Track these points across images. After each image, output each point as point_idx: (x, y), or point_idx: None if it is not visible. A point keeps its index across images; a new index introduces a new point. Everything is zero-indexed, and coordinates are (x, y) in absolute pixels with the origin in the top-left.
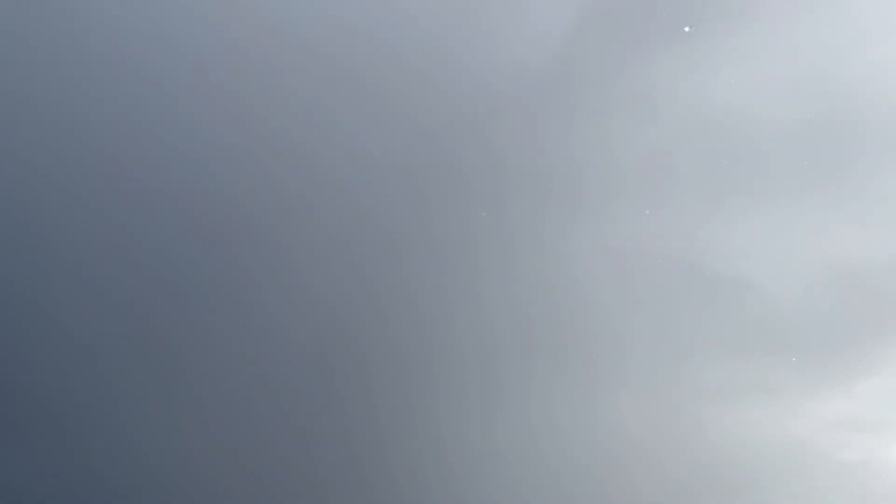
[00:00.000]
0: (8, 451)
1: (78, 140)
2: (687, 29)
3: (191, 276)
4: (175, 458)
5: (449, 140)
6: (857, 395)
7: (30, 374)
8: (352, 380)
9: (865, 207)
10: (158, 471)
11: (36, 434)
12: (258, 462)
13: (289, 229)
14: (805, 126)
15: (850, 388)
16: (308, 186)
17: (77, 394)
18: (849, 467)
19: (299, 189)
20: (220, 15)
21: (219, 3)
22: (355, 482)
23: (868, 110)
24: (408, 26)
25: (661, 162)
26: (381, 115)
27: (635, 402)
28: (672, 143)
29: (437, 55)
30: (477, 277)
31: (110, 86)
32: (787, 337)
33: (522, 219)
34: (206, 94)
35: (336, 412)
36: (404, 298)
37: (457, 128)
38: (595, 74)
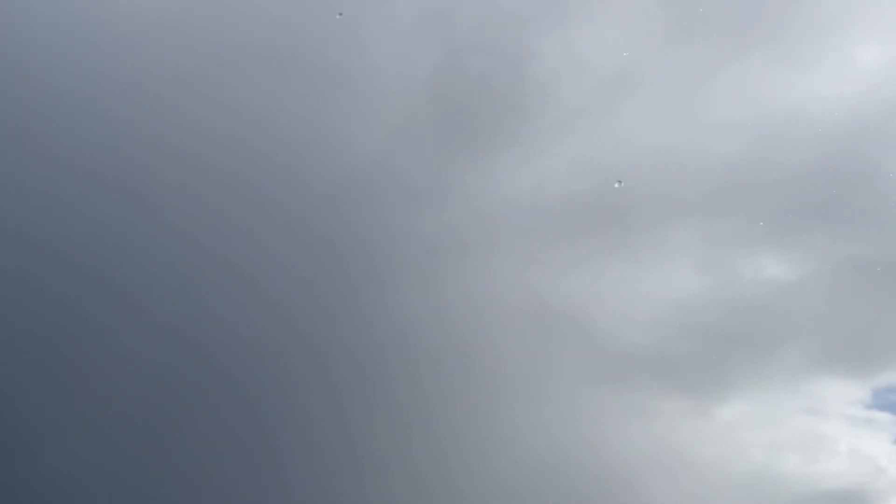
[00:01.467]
0: None
1: None
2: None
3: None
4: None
5: (305, 208)
6: (718, 416)
7: None
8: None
9: (659, 259)
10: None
11: None
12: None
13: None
14: (591, 199)
15: (713, 411)
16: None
17: None
18: (717, 471)
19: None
20: None
21: None
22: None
23: (634, 185)
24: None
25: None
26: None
27: (529, 420)
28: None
29: (289, 146)
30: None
31: None
32: (650, 370)
33: (415, 279)
34: None
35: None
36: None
37: (309, 200)
38: (421, 165)
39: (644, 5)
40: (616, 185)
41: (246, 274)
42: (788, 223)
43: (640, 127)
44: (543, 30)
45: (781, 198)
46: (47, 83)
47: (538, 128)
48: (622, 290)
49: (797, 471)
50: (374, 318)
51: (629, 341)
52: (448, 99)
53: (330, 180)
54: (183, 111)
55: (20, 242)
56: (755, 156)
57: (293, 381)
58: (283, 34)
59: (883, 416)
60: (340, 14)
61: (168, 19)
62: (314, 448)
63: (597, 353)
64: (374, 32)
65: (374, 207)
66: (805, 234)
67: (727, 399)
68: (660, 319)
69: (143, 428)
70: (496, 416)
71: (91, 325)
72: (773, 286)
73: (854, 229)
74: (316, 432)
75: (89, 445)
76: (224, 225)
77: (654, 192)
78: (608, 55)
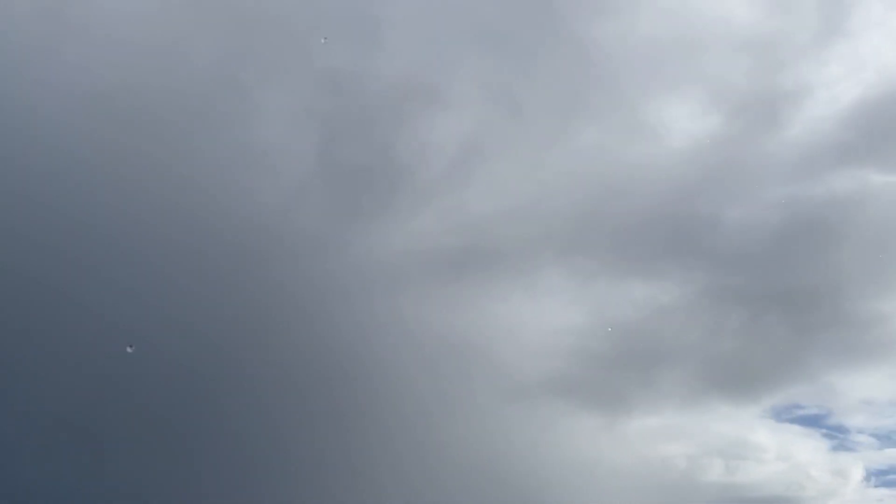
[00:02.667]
0: None
1: None
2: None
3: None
4: None
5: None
6: (626, 429)
7: None
8: None
9: (538, 296)
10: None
11: None
12: None
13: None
14: (462, 249)
15: (620, 425)
16: None
17: None
18: (633, 475)
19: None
20: None
21: None
22: None
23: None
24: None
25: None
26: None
27: (450, 435)
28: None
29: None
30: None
31: None
32: (554, 391)
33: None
34: None
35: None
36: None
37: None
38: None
39: (494, 90)
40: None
41: (172, 301)
42: (645, 258)
43: (496, 187)
44: (412, 112)
45: (634, 237)
46: None
47: (410, 194)
48: (512, 324)
49: (697, 478)
50: (296, 349)
51: (530, 367)
52: (334, 168)
53: (239, 231)
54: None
55: None
56: (602, 205)
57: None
58: (195, 109)
59: (792, 428)
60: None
61: (99, 90)
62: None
63: (504, 379)
64: (272, 113)
65: (282, 255)
66: (662, 267)
67: (632, 414)
68: (552, 347)
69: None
70: (423, 431)
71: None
72: (643, 312)
73: (702, 263)
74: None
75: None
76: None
77: (517, 240)
78: (463, 131)
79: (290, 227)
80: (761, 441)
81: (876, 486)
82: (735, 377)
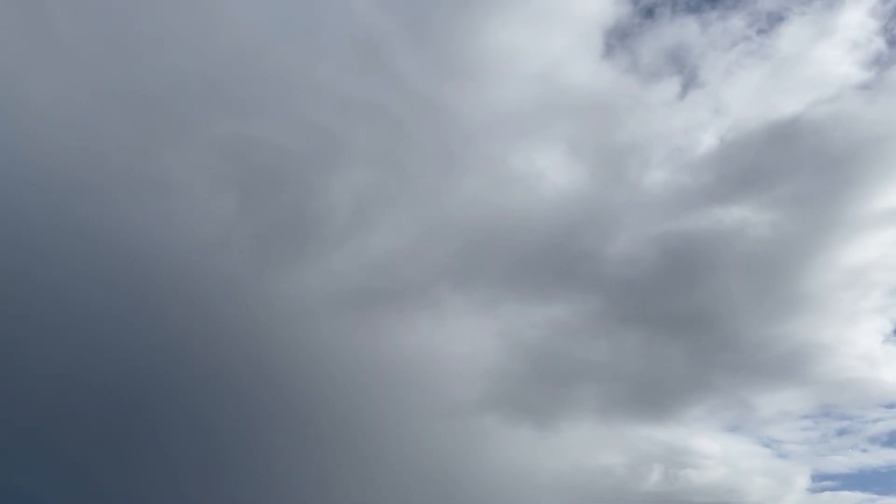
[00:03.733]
0: None
1: None
2: None
3: None
4: None
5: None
6: (556, 440)
7: None
8: None
9: (452, 324)
10: None
11: None
12: None
13: None
14: (372, 286)
15: (552, 437)
16: None
17: None
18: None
19: None
20: None
21: None
22: None
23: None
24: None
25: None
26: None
27: (398, 447)
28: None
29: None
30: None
31: None
32: (488, 406)
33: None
34: None
35: None
36: None
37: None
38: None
39: (380, 153)
40: None
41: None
42: (541, 285)
43: (393, 232)
44: (315, 171)
45: (527, 268)
46: None
47: (320, 242)
48: (429, 351)
49: (635, 486)
50: (239, 378)
51: (455, 388)
52: (252, 226)
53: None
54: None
55: None
56: (492, 243)
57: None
58: (119, 180)
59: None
60: None
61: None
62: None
63: (433, 399)
64: (190, 181)
65: (217, 300)
66: (557, 293)
67: (559, 428)
68: (472, 369)
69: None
70: (365, 446)
71: None
72: (545, 332)
73: (595, 290)
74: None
75: None
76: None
77: (419, 276)
78: (360, 186)
79: (219, 277)
80: (702, 448)
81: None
82: (650, 392)
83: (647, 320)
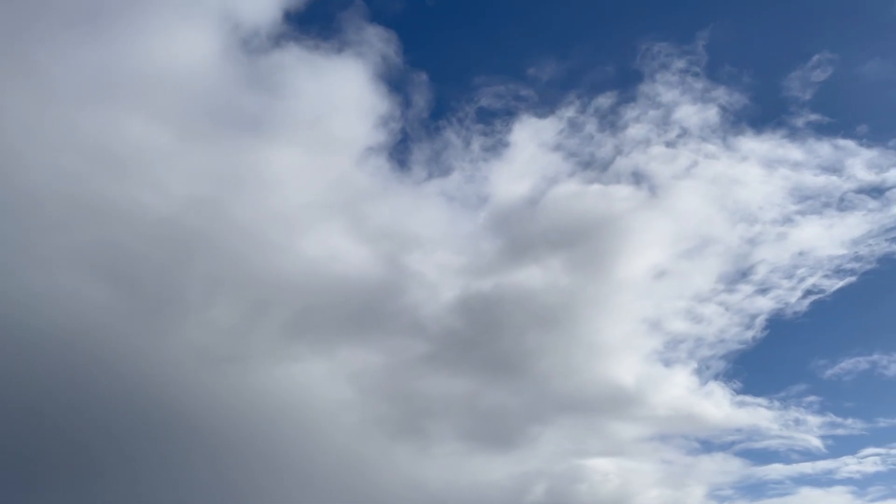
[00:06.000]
0: None
1: None
2: None
3: None
4: None
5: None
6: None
7: None
8: None
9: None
10: None
11: None
12: None
13: None
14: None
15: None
16: None
17: None
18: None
19: None
20: None
21: None
22: None
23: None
24: None
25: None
26: None
27: (311, 464)
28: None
29: None
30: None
31: None
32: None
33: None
34: None
35: None
36: None
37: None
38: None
39: None
40: None
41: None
42: (363, 333)
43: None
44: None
45: (358, 321)
46: None
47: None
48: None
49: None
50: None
51: (336, 418)
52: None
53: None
54: None
55: None
56: (326, 303)
57: None
58: None
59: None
60: None
61: None
62: None
63: (325, 428)
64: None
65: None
66: (381, 338)
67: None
68: (340, 402)
69: None
70: (283, 462)
71: None
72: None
73: (412, 337)
74: None
75: None
76: None
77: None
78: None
79: (110, 341)
80: (590, 465)
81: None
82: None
83: (471, 365)
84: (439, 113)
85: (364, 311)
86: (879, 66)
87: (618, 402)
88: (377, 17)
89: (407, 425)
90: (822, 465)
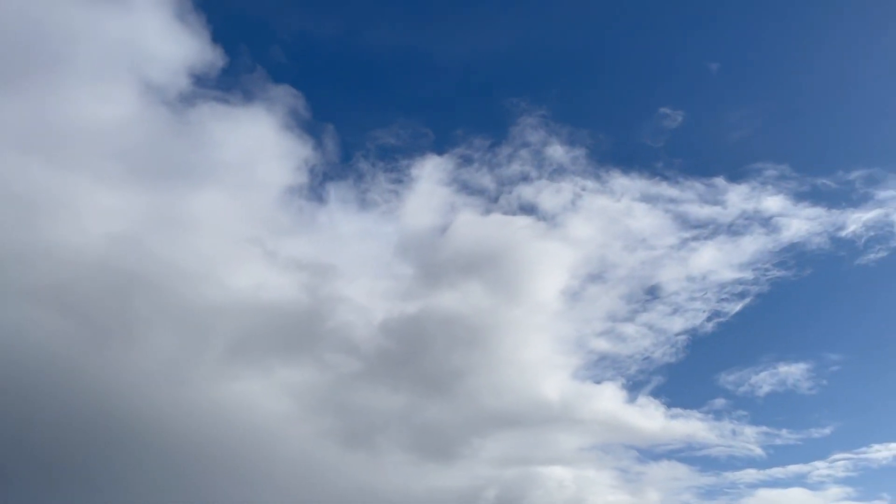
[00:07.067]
0: None
1: None
2: None
3: None
4: None
5: None
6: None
7: None
8: None
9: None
10: None
11: None
12: None
13: None
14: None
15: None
16: None
17: None
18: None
19: None
20: None
21: None
22: None
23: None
24: None
25: None
26: None
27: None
28: None
29: None
30: None
31: None
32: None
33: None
34: None
35: None
36: None
37: None
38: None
39: None
40: None
41: None
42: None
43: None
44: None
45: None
46: None
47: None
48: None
49: None
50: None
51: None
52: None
53: None
54: None
55: None
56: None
57: None
58: None
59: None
60: None
61: None
62: None
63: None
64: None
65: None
66: (297, 360)
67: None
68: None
69: None
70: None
71: None
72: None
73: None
74: None
75: None
76: None
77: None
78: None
79: (67, 367)
80: (543, 472)
81: None
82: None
83: (406, 382)
84: (348, 155)
85: (296, 334)
86: (721, 116)
87: (552, 416)
88: (282, 77)
89: (354, 437)
90: (770, 471)
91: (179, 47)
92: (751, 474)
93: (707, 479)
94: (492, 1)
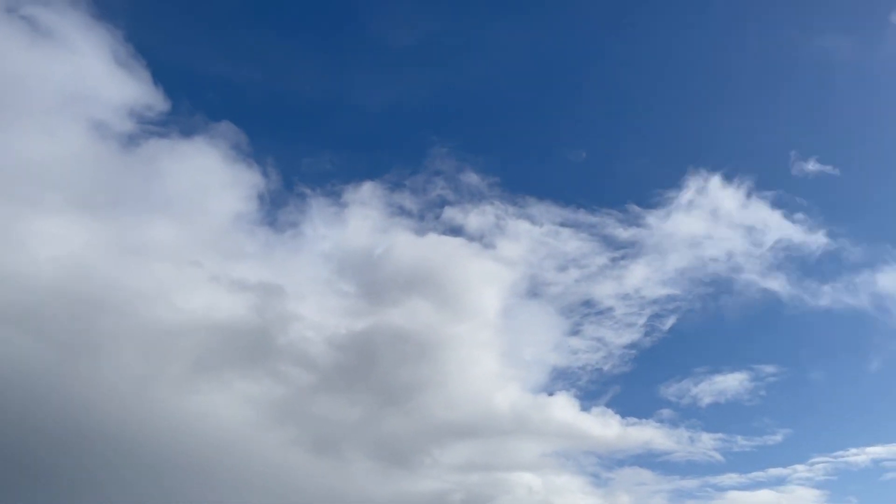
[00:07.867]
0: None
1: None
2: None
3: None
4: None
5: None
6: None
7: None
8: None
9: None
10: None
11: None
12: None
13: None
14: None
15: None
16: None
17: None
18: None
19: None
20: None
21: None
22: None
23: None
24: None
25: None
26: None
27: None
28: None
29: None
30: None
31: None
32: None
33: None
34: None
35: None
36: None
37: None
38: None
39: None
40: None
41: None
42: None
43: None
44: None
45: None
46: None
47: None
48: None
49: None
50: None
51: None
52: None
53: None
54: None
55: None
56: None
57: None
58: None
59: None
60: None
61: None
62: None
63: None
64: None
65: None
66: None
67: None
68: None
69: None
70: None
71: None
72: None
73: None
74: None
75: None
76: None
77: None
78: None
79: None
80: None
81: None
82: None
83: (363, 394)
84: (289, 183)
85: (250, 350)
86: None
87: (508, 426)
88: (220, 115)
89: (319, 445)
90: (731, 476)
91: (123, 88)
92: (718, 479)
93: (673, 484)
94: (399, 51)
